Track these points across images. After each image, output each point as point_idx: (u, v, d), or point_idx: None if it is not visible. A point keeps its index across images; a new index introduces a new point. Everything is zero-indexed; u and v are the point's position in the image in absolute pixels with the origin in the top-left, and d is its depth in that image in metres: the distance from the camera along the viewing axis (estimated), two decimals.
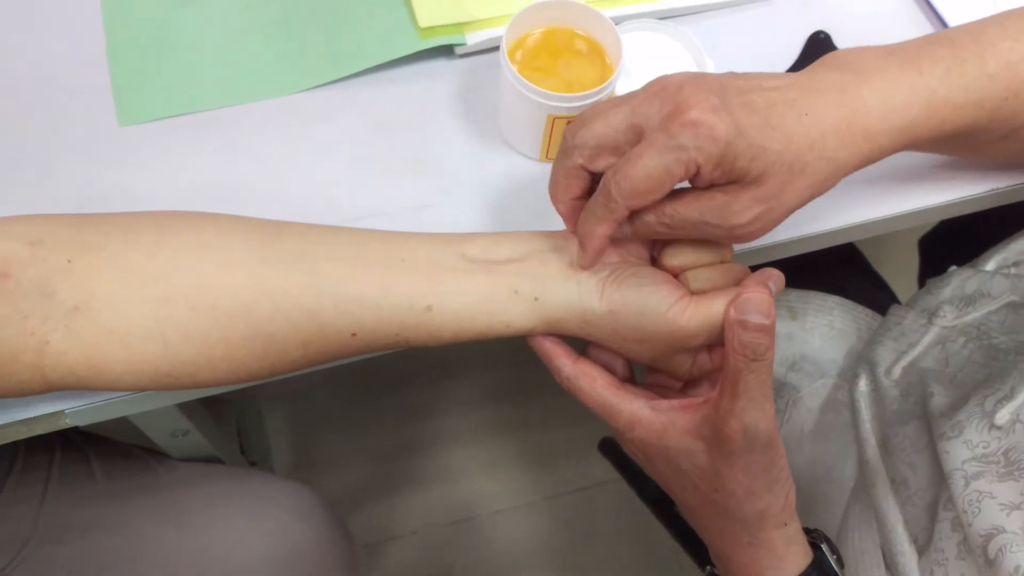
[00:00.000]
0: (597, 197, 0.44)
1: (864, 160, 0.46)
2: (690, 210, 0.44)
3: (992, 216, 0.67)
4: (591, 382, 0.47)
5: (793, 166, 0.43)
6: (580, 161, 0.44)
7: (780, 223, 0.46)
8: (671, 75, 0.44)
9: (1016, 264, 0.70)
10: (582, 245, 0.46)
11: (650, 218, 0.45)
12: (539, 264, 0.48)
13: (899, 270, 1.11)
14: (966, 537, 0.51)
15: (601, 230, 0.44)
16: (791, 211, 0.45)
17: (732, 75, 0.45)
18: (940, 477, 0.55)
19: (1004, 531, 0.48)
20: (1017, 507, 0.48)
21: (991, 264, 0.72)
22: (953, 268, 0.70)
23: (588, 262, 0.47)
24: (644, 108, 0.42)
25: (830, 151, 0.44)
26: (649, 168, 0.41)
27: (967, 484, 0.51)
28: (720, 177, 0.43)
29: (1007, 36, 0.48)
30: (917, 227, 0.98)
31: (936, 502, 0.55)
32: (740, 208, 0.43)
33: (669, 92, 0.42)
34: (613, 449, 1.34)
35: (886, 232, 0.61)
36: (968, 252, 0.76)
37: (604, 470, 1.32)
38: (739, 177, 0.43)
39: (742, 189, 0.43)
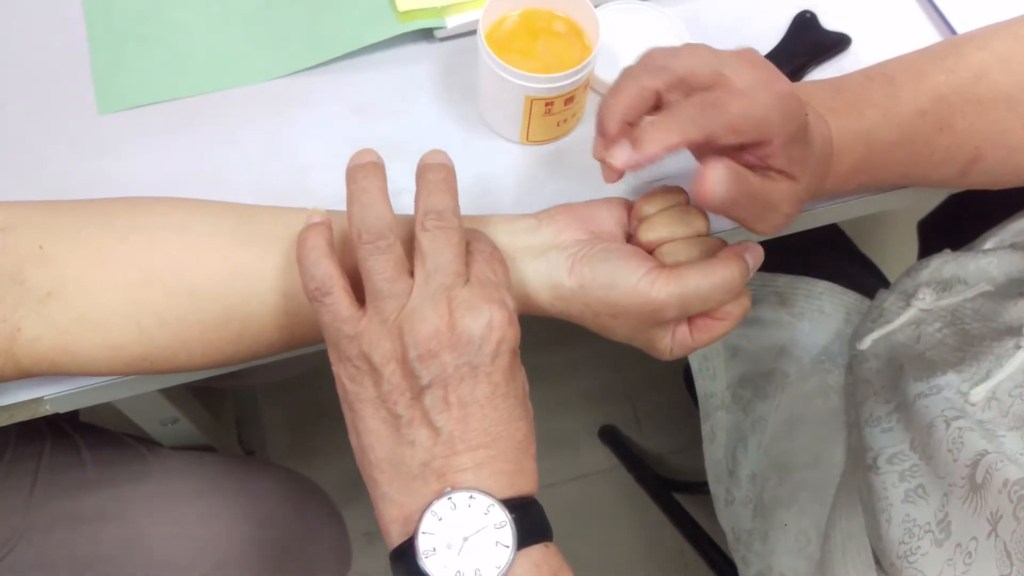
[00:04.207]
0: (687, 107, 0.43)
1: (817, 194, 0.50)
2: (756, 181, 0.45)
3: (990, 198, 0.66)
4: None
5: (815, 171, 0.47)
6: (660, 85, 0.44)
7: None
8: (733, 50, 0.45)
9: (1012, 245, 0.69)
10: (641, 146, 0.43)
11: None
12: (510, 242, 0.48)
13: (898, 254, 1.10)
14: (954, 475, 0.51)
15: (673, 140, 0.42)
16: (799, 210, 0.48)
17: None
18: (913, 445, 0.56)
19: (987, 452, 0.48)
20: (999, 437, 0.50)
21: (988, 244, 0.71)
22: (946, 251, 0.69)
23: (640, 157, 0.43)
24: (735, 65, 0.43)
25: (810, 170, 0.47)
26: (751, 111, 0.42)
27: (948, 425, 0.52)
28: (777, 162, 0.44)
29: (943, 69, 0.50)
30: (916, 211, 0.97)
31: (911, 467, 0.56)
32: (790, 197, 0.46)
33: (758, 63, 0.44)
34: (613, 436, 1.34)
35: (870, 213, 0.61)
36: (967, 235, 0.75)
37: (604, 457, 1.33)
38: (787, 166, 0.44)
39: (789, 180, 0.45)
